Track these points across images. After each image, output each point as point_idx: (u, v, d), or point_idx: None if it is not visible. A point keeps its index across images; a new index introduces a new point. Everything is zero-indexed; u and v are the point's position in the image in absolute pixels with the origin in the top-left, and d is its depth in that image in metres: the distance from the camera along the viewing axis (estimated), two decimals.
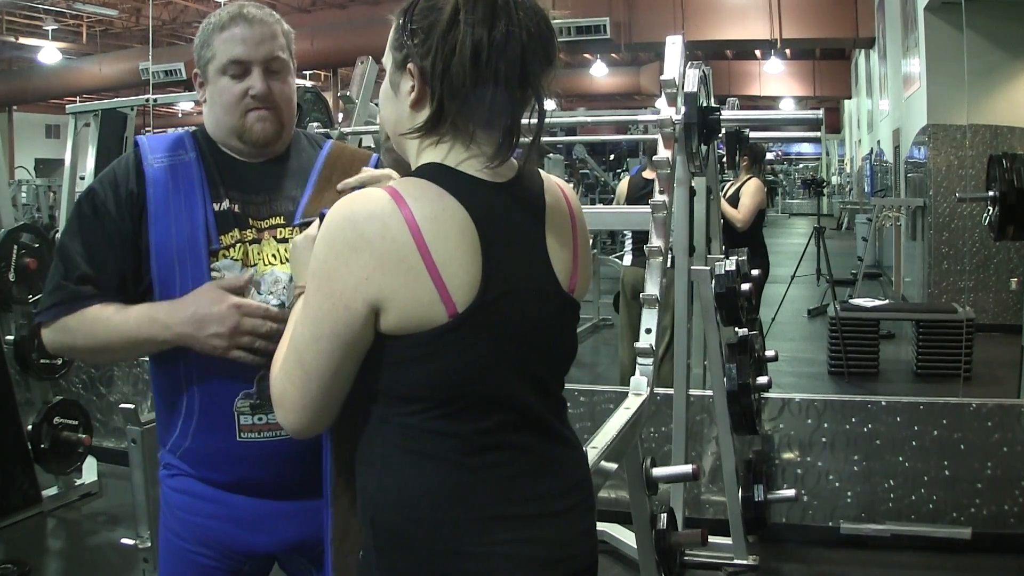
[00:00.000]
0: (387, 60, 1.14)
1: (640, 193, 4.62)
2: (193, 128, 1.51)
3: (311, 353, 1.06)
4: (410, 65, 1.09)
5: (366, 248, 1.01)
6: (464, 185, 1.07)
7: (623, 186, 5.12)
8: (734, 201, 4.78)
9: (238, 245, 1.41)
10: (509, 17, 1.05)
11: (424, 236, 1.02)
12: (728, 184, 5.00)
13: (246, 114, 1.43)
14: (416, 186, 1.06)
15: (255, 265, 1.41)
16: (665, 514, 2.14)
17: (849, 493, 3.33)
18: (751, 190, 4.79)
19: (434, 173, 1.07)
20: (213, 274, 1.39)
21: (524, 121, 1.11)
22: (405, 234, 1.01)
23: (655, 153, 4.51)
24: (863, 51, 13.89)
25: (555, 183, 1.20)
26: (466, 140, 1.09)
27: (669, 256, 2.45)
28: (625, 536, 3.06)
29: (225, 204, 1.42)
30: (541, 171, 1.20)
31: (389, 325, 1.03)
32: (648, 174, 4.73)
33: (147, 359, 1.50)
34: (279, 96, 1.45)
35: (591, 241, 1.60)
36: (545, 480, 1.10)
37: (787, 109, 14.60)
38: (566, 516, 1.11)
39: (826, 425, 3.36)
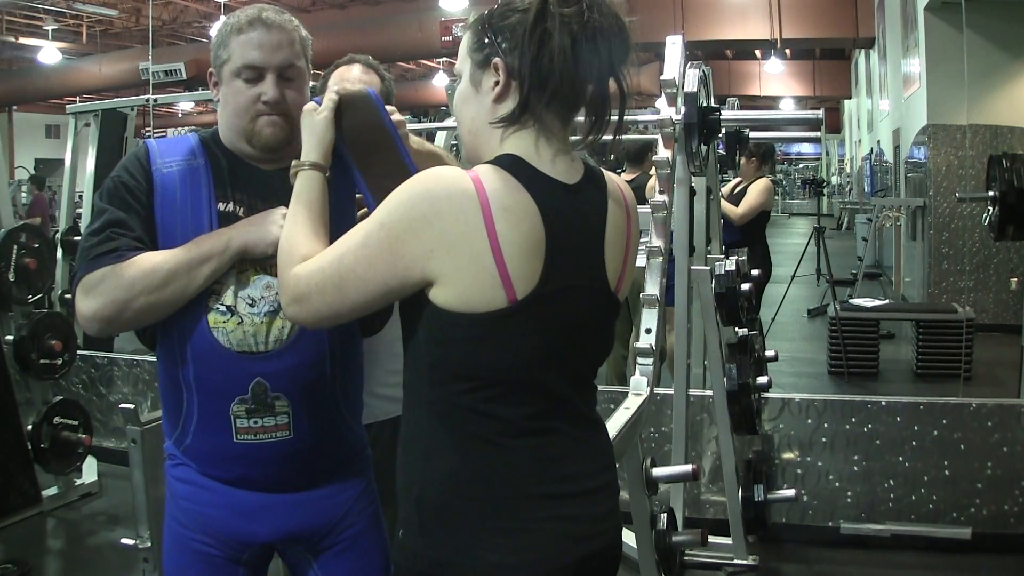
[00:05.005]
0: (463, 66, 1.19)
1: None
2: (200, 131, 1.52)
3: (354, 286, 1.12)
4: (495, 60, 1.14)
5: (438, 224, 1.07)
6: (540, 184, 1.12)
7: None
8: (738, 197, 4.72)
9: None
10: (600, 11, 1.12)
11: (495, 224, 1.07)
12: (736, 181, 4.94)
13: (256, 118, 1.44)
14: (497, 176, 1.11)
15: (247, 270, 1.42)
16: (665, 514, 2.14)
17: (849, 493, 3.33)
18: (759, 188, 4.73)
19: (515, 166, 1.12)
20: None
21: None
22: (478, 218, 1.07)
23: (630, 155, 4.56)
24: (863, 51, 13.89)
25: (618, 184, 1.25)
26: (548, 134, 1.15)
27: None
28: (625, 536, 3.05)
29: (230, 206, 1.44)
30: (605, 171, 1.24)
31: (445, 299, 1.09)
32: (627, 176, 4.74)
33: (154, 360, 1.50)
34: (292, 104, 1.44)
35: None
36: (580, 461, 1.17)
37: (787, 109, 14.63)
38: (598, 495, 1.18)
39: (826, 425, 3.36)
